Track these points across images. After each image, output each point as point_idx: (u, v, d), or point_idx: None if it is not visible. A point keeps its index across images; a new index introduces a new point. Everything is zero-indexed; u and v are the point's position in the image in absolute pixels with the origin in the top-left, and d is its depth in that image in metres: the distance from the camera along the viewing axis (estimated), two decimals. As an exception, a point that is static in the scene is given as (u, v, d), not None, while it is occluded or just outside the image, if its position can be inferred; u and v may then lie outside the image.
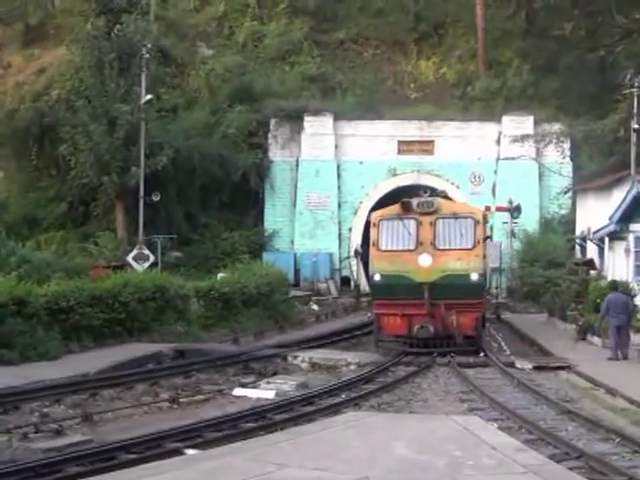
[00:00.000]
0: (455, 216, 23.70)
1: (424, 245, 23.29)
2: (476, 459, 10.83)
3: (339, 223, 42.59)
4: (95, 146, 35.65)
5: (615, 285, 24.20)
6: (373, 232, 24.01)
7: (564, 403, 17.61)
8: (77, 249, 37.36)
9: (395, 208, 24.12)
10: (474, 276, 23.14)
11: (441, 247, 23.31)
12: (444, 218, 23.52)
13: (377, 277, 23.68)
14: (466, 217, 23.80)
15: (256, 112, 42.87)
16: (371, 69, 47.30)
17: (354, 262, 41.03)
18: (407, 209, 23.65)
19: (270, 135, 43.14)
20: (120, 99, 35.83)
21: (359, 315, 34.04)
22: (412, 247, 23.33)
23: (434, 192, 26.17)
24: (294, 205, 42.51)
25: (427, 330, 23.05)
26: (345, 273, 42.37)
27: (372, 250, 23.98)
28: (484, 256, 24.06)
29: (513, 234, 39.45)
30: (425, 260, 23.15)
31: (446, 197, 26.28)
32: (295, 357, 23.48)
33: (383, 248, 23.61)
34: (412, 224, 23.49)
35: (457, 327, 23.10)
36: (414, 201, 23.70)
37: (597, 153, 39.01)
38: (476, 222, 23.60)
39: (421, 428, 13.06)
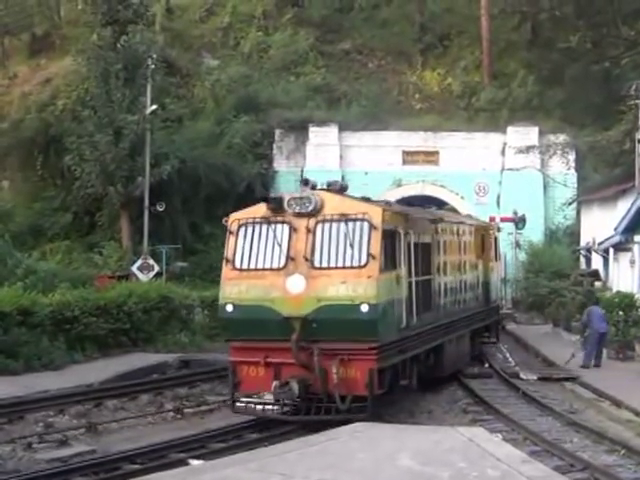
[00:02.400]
0: (343, 218, 16.18)
1: (296, 262, 16.17)
2: (481, 471, 10.82)
3: (344, 233, 42.44)
4: (100, 156, 35.70)
5: (597, 299, 25.95)
6: (228, 243, 17.05)
7: (569, 414, 17.58)
8: (82, 259, 37.38)
9: (260, 208, 17.01)
10: (364, 308, 15.63)
11: (320, 265, 16.09)
12: (328, 222, 16.27)
13: (229, 308, 16.57)
14: (357, 219, 16.16)
15: (261, 122, 42.91)
16: (376, 80, 47.34)
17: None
18: (276, 209, 16.64)
19: (275, 145, 43.18)
20: (126, 109, 35.88)
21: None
22: (280, 265, 16.32)
23: (329, 186, 17.64)
24: (299, 215, 42.37)
25: (290, 389, 15.76)
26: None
27: (225, 269, 16.91)
28: (396, 278, 17.02)
29: (518, 245, 39.43)
30: (296, 284, 16.05)
31: (368, 199, 18.39)
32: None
33: (240, 266, 16.65)
34: (282, 231, 16.56)
35: (340, 384, 15.57)
36: (286, 197, 16.73)
37: (602, 164, 38.99)
38: (372, 227, 16.03)
39: (426, 439, 13.05)
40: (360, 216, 16.23)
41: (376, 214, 16.37)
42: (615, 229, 29.12)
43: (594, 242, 34.25)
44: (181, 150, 39.35)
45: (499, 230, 30.40)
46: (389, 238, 16.78)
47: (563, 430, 16.40)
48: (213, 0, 51.10)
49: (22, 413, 17.47)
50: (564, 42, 40.71)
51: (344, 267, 16.06)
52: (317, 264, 16.13)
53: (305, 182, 17.72)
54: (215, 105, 44.25)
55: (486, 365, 24.34)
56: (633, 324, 24.92)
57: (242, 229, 16.91)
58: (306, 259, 16.13)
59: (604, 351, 25.18)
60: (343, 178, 42.19)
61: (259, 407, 16.38)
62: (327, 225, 16.31)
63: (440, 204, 40.29)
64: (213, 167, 40.16)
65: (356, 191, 42.27)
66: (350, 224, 16.12)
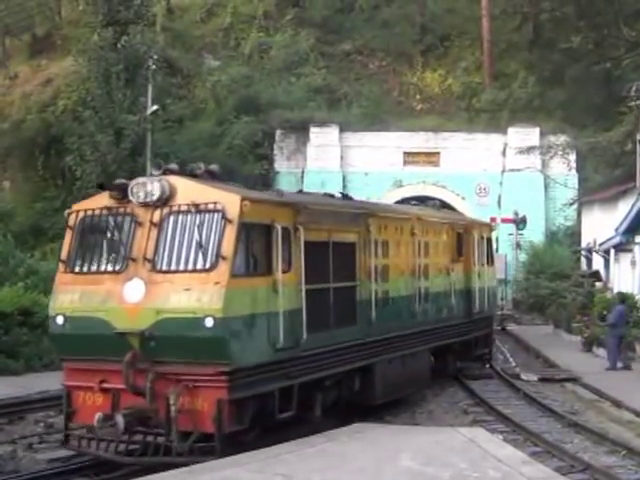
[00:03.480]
0: (194, 209, 13.00)
1: (137, 264, 13.04)
2: (482, 471, 10.83)
3: (345, 234, 42.43)
4: (101, 157, 35.67)
5: (623, 297, 24.43)
6: (64, 240, 14.12)
7: (570, 415, 17.58)
8: (83, 259, 37.35)
9: (104, 197, 13.97)
10: (208, 322, 12.27)
11: (164, 268, 12.91)
12: (177, 213, 13.13)
13: (59, 321, 13.38)
14: (208, 210, 12.95)
15: (262, 123, 42.91)
16: (377, 80, 47.34)
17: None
18: (120, 198, 13.61)
19: (276, 146, 43.18)
20: (126, 110, 35.88)
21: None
22: (118, 268, 13.26)
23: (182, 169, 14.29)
24: (300, 216, 42.40)
25: (115, 423, 12.54)
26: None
27: (58, 273, 13.90)
28: (270, 285, 13.32)
29: (519, 246, 39.42)
30: (133, 291, 12.91)
31: (281, 194, 15.33)
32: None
33: (75, 269, 13.62)
34: (124, 225, 13.55)
35: (182, 417, 12.34)
36: (132, 184, 13.58)
37: (603, 165, 38.96)
38: (225, 220, 12.75)
39: (426, 440, 13.05)
40: (211, 206, 12.89)
41: (231, 204, 12.85)
42: (616, 230, 29.10)
43: (595, 243, 34.23)
44: (182, 151, 39.33)
45: (492, 230, 26.30)
46: (257, 235, 13.29)
47: (564, 431, 16.40)
48: (214, 1, 51.10)
49: (23, 413, 17.47)
50: (565, 43, 40.65)
51: (190, 271, 12.73)
52: (160, 267, 12.87)
53: (158, 165, 14.23)
54: (216, 106, 44.25)
55: (487, 366, 24.32)
56: (634, 325, 24.90)
57: (80, 223, 13.85)
58: (148, 260, 12.88)
59: (605, 352, 25.22)
60: (344, 179, 42.29)
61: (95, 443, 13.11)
62: (176, 218, 13.08)
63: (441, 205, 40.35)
64: (214, 168, 40.10)
65: (357, 192, 42.62)
66: (200, 216, 12.92)
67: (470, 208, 41.05)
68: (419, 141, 42.73)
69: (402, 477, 10.75)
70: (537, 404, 18.98)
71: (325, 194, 17.87)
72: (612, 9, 40.22)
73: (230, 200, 12.94)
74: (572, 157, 40.67)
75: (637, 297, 26.31)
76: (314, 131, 42.51)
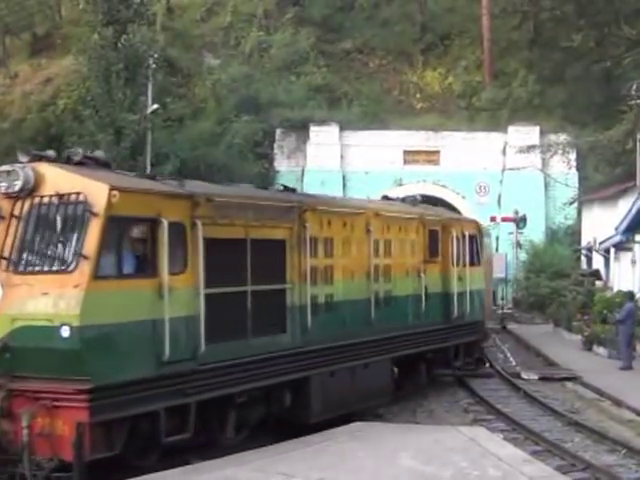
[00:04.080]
0: (57, 201, 11.35)
1: None
2: (482, 470, 10.83)
3: (345, 233, 42.42)
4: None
5: (632, 295, 24.25)
6: None
7: (570, 414, 17.58)
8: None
9: None
10: (64, 331, 10.60)
11: (24, 268, 11.32)
12: (42, 205, 11.45)
13: None
14: (71, 202, 11.25)
15: (262, 122, 42.91)
16: (377, 79, 47.32)
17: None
18: None
19: (276, 145, 43.19)
20: (127, 109, 35.88)
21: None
22: None
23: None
24: (300, 215, 42.40)
25: None
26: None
27: None
28: (153, 288, 11.57)
29: (519, 245, 39.42)
30: None
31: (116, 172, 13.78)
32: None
33: None
34: None
35: (38, 441, 10.61)
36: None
37: (603, 164, 38.94)
38: (89, 213, 11.08)
39: (427, 439, 13.04)
40: (74, 197, 11.18)
41: (97, 194, 11.07)
42: (616, 229, 29.09)
43: (595, 242, 34.22)
44: (182, 150, 39.34)
45: (481, 227, 23.65)
46: (135, 230, 11.59)
47: (564, 430, 16.39)
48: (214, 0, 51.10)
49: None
50: (565, 42, 40.68)
51: (50, 272, 11.07)
52: (21, 267, 11.25)
53: (27, 152, 12.57)
54: (216, 105, 44.23)
55: (487, 365, 24.31)
56: (638, 323, 24.83)
57: None
58: (6, 260, 11.28)
59: (605, 351, 25.23)
60: (344, 178, 42.29)
61: None
62: (39, 211, 11.38)
63: (441, 204, 40.33)
64: (214, 167, 40.12)
65: (357, 191, 42.80)
66: (63, 209, 11.19)
67: (470, 207, 41.07)
68: (419, 140, 42.73)
69: (402, 476, 10.75)
70: (537, 403, 18.97)
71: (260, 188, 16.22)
72: (612, 8, 40.21)
73: (95, 190, 11.08)
74: (572, 156, 40.66)
75: (638, 296, 26.28)
76: (314, 130, 42.51)
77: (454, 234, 20.31)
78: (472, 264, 21.39)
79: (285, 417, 14.42)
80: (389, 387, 17.17)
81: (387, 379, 17.15)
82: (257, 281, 13.35)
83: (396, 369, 17.54)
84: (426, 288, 18.84)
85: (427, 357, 19.34)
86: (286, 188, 16.26)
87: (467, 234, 21.13)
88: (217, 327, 12.27)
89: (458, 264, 20.47)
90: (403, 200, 21.08)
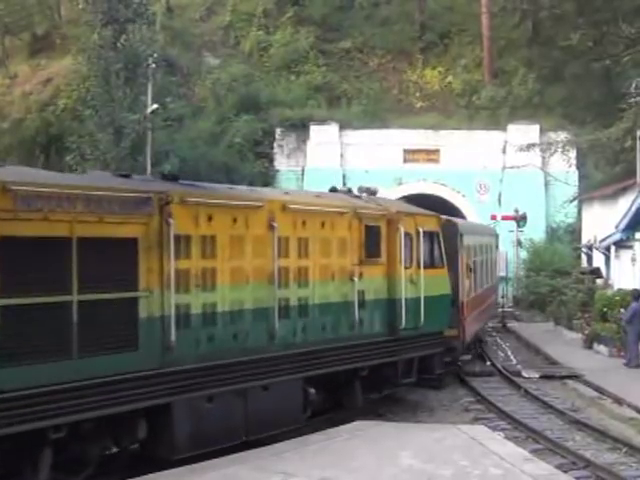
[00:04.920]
0: None
1: None
2: (483, 469, 10.83)
3: (345, 232, 42.37)
4: (102, 155, 35.68)
5: (638, 294, 24.19)
6: None
7: (571, 413, 17.58)
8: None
9: None
10: None
11: None
12: None
13: None
14: None
15: (262, 121, 42.91)
16: (377, 78, 47.31)
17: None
18: None
19: (276, 144, 43.18)
20: (126, 108, 35.88)
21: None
22: None
23: None
24: (300, 214, 42.37)
25: None
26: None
27: None
28: None
29: (519, 243, 39.41)
30: None
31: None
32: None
33: None
34: None
35: None
36: None
37: (603, 162, 38.97)
38: None
39: (427, 437, 13.04)
40: None
41: None
42: (616, 227, 29.08)
43: (595, 240, 34.21)
44: (182, 149, 39.33)
45: (442, 223, 19.72)
46: None
47: (565, 428, 16.40)
48: (213, -1, 51.13)
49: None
50: (564, 40, 40.64)
51: None
52: None
53: None
54: (216, 104, 44.24)
55: (487, 363, 24.34)
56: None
57: None
58: None
59: (606, 349, 25.23)
60: (344, 177, 42.28)
61: None
62: None
63: (441, 202, 40.31)
64: (214, 166, 40.13)
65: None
66: None
67: (470, 205, 41.12)
68: (419, 138, 42.71)
69: (403, 475, 10.75)
70: (538, 401, 18.98)
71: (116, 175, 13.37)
72: (611, 6, 40.15)
73: None
74: (572, 154, 40.66)
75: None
76: (314, 129, 42.51)
77: (403, 230, 17.07)
78: (432, 266, 18.27)
79: (144, 451, 12.13)
80: (298, 412, 14.25)
81: (296, 403, 14.23)
82: (89, 289, 10.83)
83: (312, 390, 14.51)
84: (362, 294, 15.88)
85: (365, 374, 16.05)
86: (165, 176, 13.53)
87: (422, 231, 17.81)
88: (18, 346, 9.99)
89: (410, 266, 17.31)
90: (333, 190, 18.17)
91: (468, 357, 23.72)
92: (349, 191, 18.10)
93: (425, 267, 17.82)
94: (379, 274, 16.60)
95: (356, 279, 15.69)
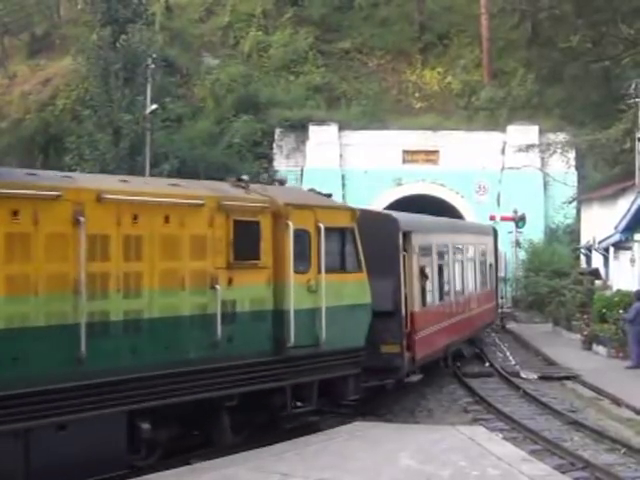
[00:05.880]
0: None
1: None
2: (481, 469, 10.84)
3: (344, 232, 42.35)
4: (101, 156, 35.73)
5: None
6: None
7: (569, 413, 17.59)
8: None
9: None
10: None
11: None
12: None
13: None
14: None
15: (261, 122, 42.93)
16: (376, 79, 47.33)
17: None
18: None
19: (275, 145, 43.18)
20: (125, 109, 35.93)
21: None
22: None
23: None
24: (299, 215, 42.37)
25: None
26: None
27: None
28: None
29: (518, 244, 39.42)
30: None
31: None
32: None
33: None
34: None
35: None
36: None
37: (602, 163, 38.97)
38: None
39: (426, 438, 13.06)
40: None
41: None
42: (615, 228, 29.08)
43: (594, 241, 34.22)
44: (181, 150, 39.36)
45: (355, 217, 15.79)
46: None
47: (563, 429, 16.39)
48: (212, -1, 51.16)
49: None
50: (564, 41, 40.67)
51: None
52: None
53: None
54: (215, 104, 44.25)
55: (486, 364, 24.33)
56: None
57: None
58: None
59: (605, 350, 25.23)
60: (343, 177, 42.31)
61: None
62: None
63: (440, 203, 40.35)
64: (213, 167, 40.12)
65: (356, 190, 42.76)
66: None
67: (469, 206, 41.13)
68: (418, 139, 42.73)
69: (402, 475, 10.76)
70: (537, 402, 18.97)
71: None
72: (610, 7, 40.19)
73: None
74: (571, 155, 40.70)
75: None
76: (313, 129, 42.53)
77: (293, 227, 13.86)
78: (341, 270, 15.09)
79: None
80: (120, 454, 11.41)
81: (115, 443, 11.31)
82: None
83: (146, 425, 11.69)
84: (232, 305, 13.02)
85: (234, 404, 13.06)
86: None
87: (323, 227, 14.44)
88: None
89: (305, 270, 14.18)
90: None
91: (416, 378, 18.48)
92: (239, 180, 14.47)
93: (330, 272, 14.51)
94: (260, 281, 13.51)
95: (219, 287, 12.71)
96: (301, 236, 14.15)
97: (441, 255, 21.61)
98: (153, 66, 36.27)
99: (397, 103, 46.38)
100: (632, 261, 28.32)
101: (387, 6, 51.01)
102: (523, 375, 22.44)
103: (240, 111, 43.03)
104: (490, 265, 28.63)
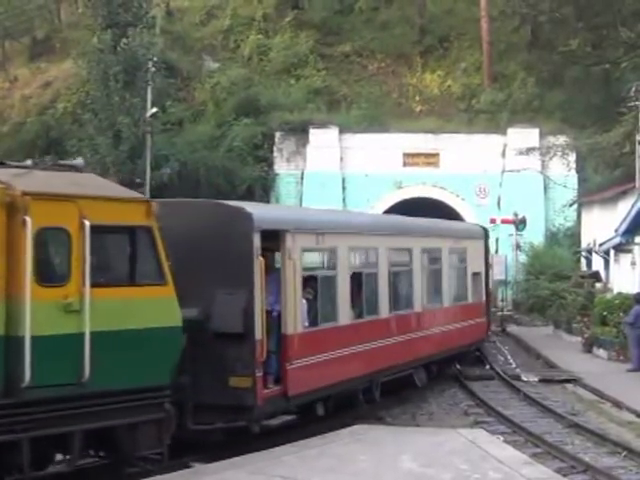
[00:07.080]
0: None
1: None
2: (482, 473, 10.84)
3: (345, 236, 42.28)
4: (101, 159, 35.74)
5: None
6: None
7: (570, 416, 17.57)
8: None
9: None
10: None
11: None
12: None
13: None
14: None
15: (261, 125, 42.93)
16: (376, 82, 47.36)
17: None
18: None
19: (275, 148, 43.17)
20: (126, 112, 35.94)
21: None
22: None
23: None
24: (299, 218, 42.33)
25: None
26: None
27: None
28: None
29: (518, 247, 39.40)
30: None
31: None
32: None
33: None
34: None
35: None
36: None
37: (602, 166, 38.97)
38: None
39: (427, 441, 13.05)
40: None
41: None
42: (616, 230, 29.07)
43: (595, 243, 34.20)
44: (181, 153, 39.37)
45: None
46: None
47: (564, 432, 16.39)
48: (213, 3, 51.16)
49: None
50: (564, 44, 40.74)
51: None
52: None
53: None
54: (215, 108, 44.28)
55: (487, 367, 24.32)
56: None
57: None
58: None
59: (605, 353, 25.23)
60: (344, 180, 42.31)
61: None
62: None
63: (441, 206, 40.34)
64: (213, 170, 40.19)
65: (356, 193, 42.74)
66: None
67: (470, 209, 41.11)
68: (419, 142, 42.72)
69: (403, 479, 10.76)
70: (537, 405, 18.97)
71: None
72: (610, 11, 40.28)
73: None
74: (572, 158, 40.70)
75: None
76: (314, 133, 42.52)
77: (33, 224, 10.15)
78: (128, 282, 11.28)
79: None
80: None
81: None
82: None
83: None
84: None
85: None
86: None
87: (88, 225, 10.64)
88: None
89: (60, 283, 10.52)
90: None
91: (278, 422, 14.09)
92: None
93: (106, 285, 10.95)
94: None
95: None
96: (53, 237, 10.68)
97: (364, 262, 17.49)
98: (153, 69, 36.30)
99: (397, 106, 46.40)
100: (633, 264, 28.31)
101: (387, 9, 51.07)
102: (524, 378, 22.43)
103: (240, 114, 43.04)
104: (475, 274, 24.10)
